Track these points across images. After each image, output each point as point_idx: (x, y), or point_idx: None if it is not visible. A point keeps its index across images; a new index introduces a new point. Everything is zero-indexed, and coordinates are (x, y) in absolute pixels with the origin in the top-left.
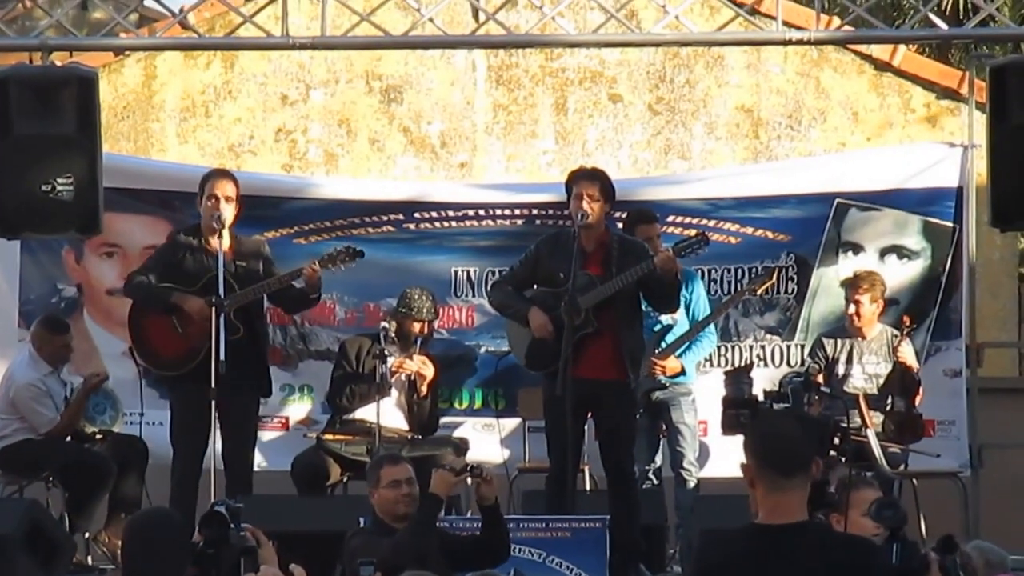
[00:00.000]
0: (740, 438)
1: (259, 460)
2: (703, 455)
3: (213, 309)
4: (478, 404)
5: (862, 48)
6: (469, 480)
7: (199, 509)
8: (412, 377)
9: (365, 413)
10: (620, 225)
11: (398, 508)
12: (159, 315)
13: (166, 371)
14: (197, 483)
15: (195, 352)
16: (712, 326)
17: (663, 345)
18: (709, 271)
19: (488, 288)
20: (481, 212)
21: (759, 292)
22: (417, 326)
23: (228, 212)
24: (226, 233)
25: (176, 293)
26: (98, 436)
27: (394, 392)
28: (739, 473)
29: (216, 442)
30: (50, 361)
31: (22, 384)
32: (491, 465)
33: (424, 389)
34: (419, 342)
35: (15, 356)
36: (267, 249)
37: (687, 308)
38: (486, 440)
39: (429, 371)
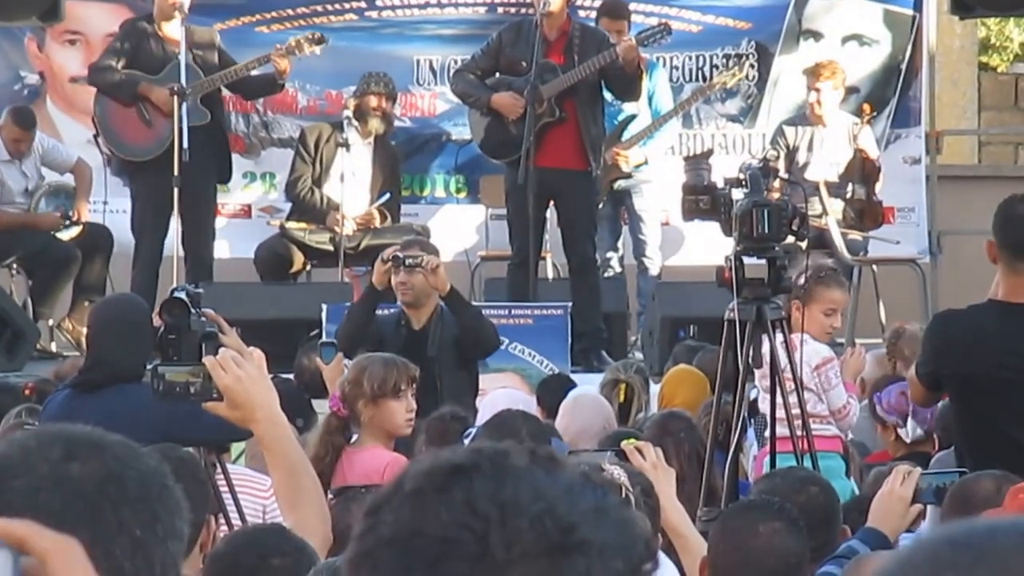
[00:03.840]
0: (702, 225)
1: (222, 248)
2: (667, 243)
3: (176, 97)
4: (440, 191)
5: None
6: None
7: (161, 295)
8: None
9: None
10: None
11: (399, 295)
12: (126, 103)
13: (134, 158)
14: (158, 269)
15: (163, 140)
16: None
17: (626, 135)
18: (671, 58)
19: (451, 76)
20: (443, 0)
21: (731, 86)
22: (374, 100)
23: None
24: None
25: (142, 82)
26: (71, 227)
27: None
28: (701, 261)
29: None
30: (10, 151)
31: None
32: (453, 252)
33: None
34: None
35: None
36: (219, 39)
37: (649, 98)
38: (448, 227)
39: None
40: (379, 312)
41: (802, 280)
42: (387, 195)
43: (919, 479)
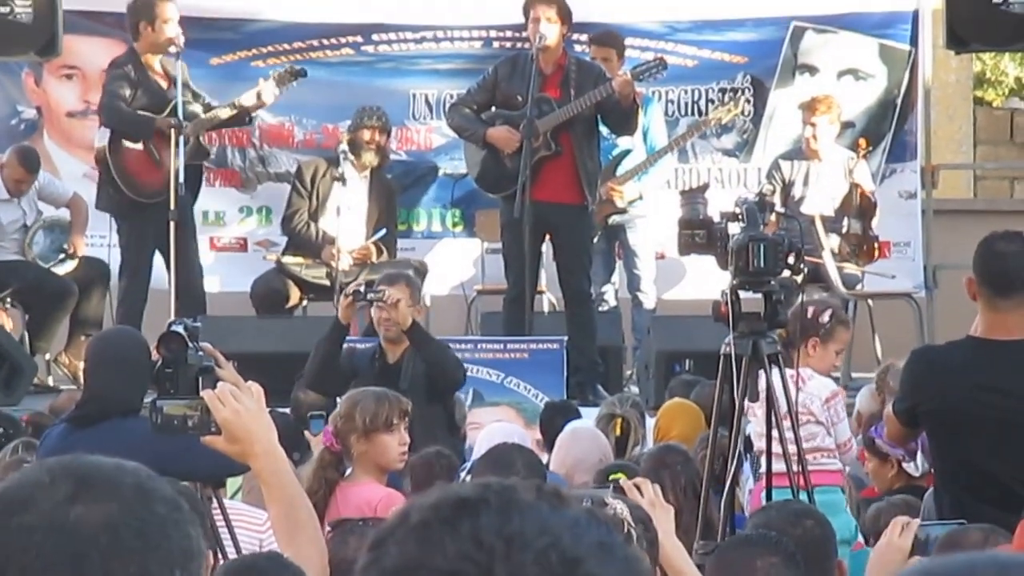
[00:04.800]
0: (698, 260)
1: (218, 281)
2: (662, 277)
3: (174, 131)
4: (436, 225)
5: None
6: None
7: (158, 329)
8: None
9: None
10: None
11: (381, 330)
12: (136, 144)
13: (147, 199)
14: (143, 310)
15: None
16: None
17: (620, 169)
18: (666, 92)
19: (446, 110)
20: (439, 35)
21: (725, 121)
22: (367, 134)
23: (181, 38)
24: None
25: (158, 118)
26: (67, 261)
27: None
28: (697, 295)
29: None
30: (10, 191)
31: None
32: (449, 286)
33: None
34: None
35: None
36: (187, 72)
37: (644, 133)
38: (444, 261)
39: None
40: (358, 346)
41: (825, 318)
42: (384, 231)
43: (917, 530)
